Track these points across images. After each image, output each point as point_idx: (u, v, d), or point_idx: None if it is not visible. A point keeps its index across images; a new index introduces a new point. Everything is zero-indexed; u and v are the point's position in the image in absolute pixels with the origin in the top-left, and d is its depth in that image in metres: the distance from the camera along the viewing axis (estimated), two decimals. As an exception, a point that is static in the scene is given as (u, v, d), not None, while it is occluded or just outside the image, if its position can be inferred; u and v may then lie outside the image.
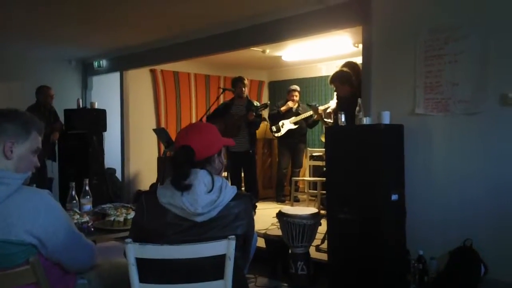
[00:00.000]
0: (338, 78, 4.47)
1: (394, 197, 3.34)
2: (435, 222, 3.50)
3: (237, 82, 6.02)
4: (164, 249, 1.64)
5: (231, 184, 1.77)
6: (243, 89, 6.00)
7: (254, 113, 5.81)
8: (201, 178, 1.71)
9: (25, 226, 1.57)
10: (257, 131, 6.21)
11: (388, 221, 3.33)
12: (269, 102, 6.56)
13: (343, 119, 3.65)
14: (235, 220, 1.72)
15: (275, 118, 6.74)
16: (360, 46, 4.26)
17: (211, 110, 6.27)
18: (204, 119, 6.14)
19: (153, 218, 1.70)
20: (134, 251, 1.64)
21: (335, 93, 4.78)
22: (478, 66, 3.31)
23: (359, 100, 3.63)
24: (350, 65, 4.62)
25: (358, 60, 4.39)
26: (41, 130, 1.78)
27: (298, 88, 6.86)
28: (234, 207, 1.72)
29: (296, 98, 6.79)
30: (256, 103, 6.07)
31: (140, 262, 1.65)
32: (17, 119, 1.70)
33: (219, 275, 1.66)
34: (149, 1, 4.36)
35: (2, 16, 4.84)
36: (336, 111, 4.48)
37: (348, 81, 4.39)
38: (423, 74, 3.58)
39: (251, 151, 5.98)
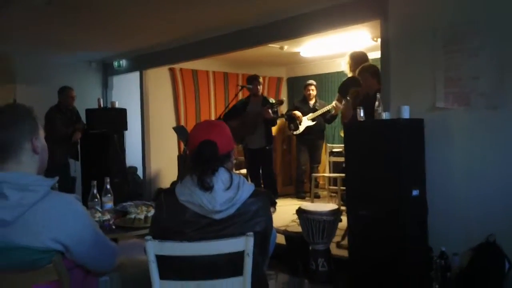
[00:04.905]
0: (369, 70, 4.27)
1: (415, 192, 3.31)
2: (456, 217, 3.44)
3: (253, 81, 6.10)
4: (183, 246, 1.65)
5: (250, 181, 1.77)
6: (258, 87, 6.10)
7: (270, 110, 5.85)
8: (219, 176, 1.71)
9: (52, 233, 1.56)
10: (276, 128, 6.23)
11: (409, 217, 3.29)
12: (284, 99, 6.58)
13: (362, 114, 3.62)
14: (253, 217, 1.72)
15: (290, 119, 6.77)
16: (379, 40, 4.21)
17: (230, 107, 6.31)
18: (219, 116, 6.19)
19: (172, 215, 1.72)
20: (154, 248, 1.66)
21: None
22: (495, 61, 3.24)
23: (378, 95, 3.59)
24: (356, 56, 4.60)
25: (377, 54, 4.33)
26: (36, 115, 1.75)
27: (314, 82, 6.87)
28: (252, 204, 1.72)
29: (313, 92, 6.79)
30: (272, 100, 6.13)
31: (160, 259, 1.67)
32: (25, 115, 1.69)
33: (238, 272, 1.67)
34: (166, 3, 4.39)
35: (26, 24, 4.97)
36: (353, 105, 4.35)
37: (378, 74, 4.17)
38: (443, 68, 3.51)
39: (267, 148, 6.05)
